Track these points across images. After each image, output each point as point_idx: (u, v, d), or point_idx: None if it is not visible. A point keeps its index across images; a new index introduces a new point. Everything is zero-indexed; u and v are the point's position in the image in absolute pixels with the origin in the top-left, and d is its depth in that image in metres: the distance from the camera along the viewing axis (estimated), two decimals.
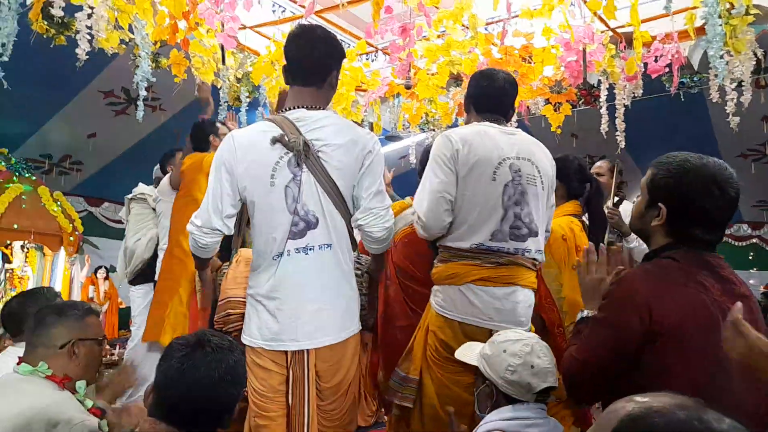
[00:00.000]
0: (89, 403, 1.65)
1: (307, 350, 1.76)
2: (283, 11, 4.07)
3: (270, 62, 4.24)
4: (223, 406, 1.32)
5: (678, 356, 1.28)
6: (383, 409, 3.43)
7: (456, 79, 4.44)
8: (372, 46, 4.56)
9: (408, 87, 4.42)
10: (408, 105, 4.93)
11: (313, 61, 1.83)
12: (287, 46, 1.86)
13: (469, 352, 1.74)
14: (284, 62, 1.88)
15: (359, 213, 1.82)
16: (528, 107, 4.63)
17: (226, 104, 4.24)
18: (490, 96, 2.09)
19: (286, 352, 1.77)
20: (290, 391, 1.77)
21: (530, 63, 4.06)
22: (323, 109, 1.85)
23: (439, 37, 4.08)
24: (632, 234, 3.04)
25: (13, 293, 5.74)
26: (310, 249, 1.77)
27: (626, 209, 3.44)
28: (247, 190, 1.79)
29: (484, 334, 1.88)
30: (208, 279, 2.25)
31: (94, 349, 1.70)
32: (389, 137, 5.87)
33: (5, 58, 2.91)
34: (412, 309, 2.63)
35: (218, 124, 3.50)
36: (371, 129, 4.86)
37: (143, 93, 3.39)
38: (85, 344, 1.67)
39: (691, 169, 1.38)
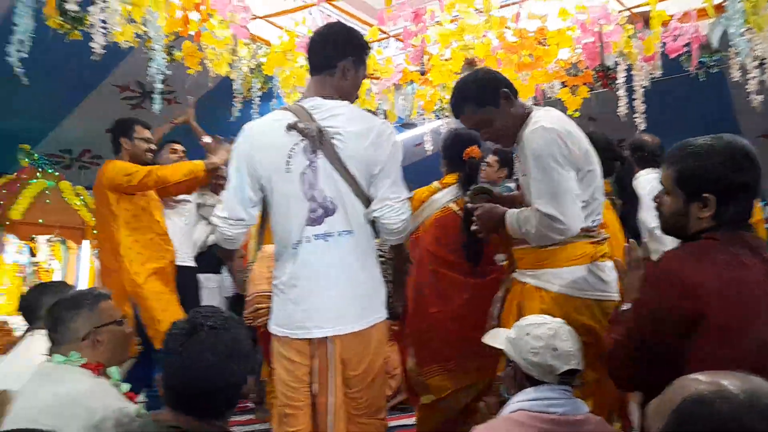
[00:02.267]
0: (125, 387, 1.69)
1: (331, 338, 1.77)
2: None
3: (282, 52, 4.24)
4: (230, 385, 1.32)
5: (721, 339, 1.25)
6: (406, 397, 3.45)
7: (470, 64, 4.39)
8: (384, 32, 4.53)
9: (422, 73, 4.39)
10: (422, 92, 4.89)
11: (317, 50, 1.88)
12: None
13: (495, 337, 1.76)
14: None
15: (375, 204, 1.82)
16: (543, 91, 4.57)
17: (241, 96, 4.24)
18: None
19: (309, 341, 1.79)
20: (314, 381, 1.79)
21: (545, 46, 4.00)
22: (341, 99, 1.86)
23: (452, 21, 4.04)
24: None
25: None
26: (329, 236, 1.78)
27: None
28: (264, 178, 1.82)
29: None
30: (234, 269, 2.30)
31: (116, 332, 1.73)
32: (404, 125, 5.85)
33: (24, 54, 2.96)
34: (443, 295, 2.63)
35: (137, 126, 3.13)
36: (385, 117, 4.84)
37: (159, 86, 3.42)
38: (106, 329, 1.70)
39: (720, 151, 1.37)
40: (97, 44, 3.00)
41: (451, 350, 2.56)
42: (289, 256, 1.82)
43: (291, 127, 1.78)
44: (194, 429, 1.27)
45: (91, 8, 2.99)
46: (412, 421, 3.11)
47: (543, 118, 1.89)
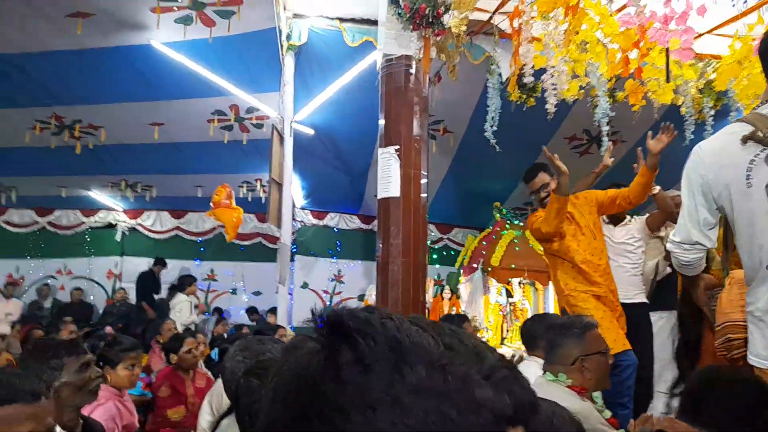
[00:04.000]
0: (607, 414, 1.84)
1: None
2: (745, 1, 3.63)
3: (736, 62, 3.81)
4: None
5: None
6: None
7: None
8: None
9: None
10: None
11: None
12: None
13: None
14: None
15: None
16: None
17: (692, 118, 4.02)
18: None
19: None
20: None
21: None
22: None
23: None
24: None
25: (518, 324, 6.79)
26: None
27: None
28: (722, 197, 1.72)
29: None
30: (701, 298, 2.19)
31: (600, 361, 1.89)
32: None
33: (495, 128, 3.66)
34: None
35: (530, 182, 3.41)
36: None
37: (605, 128, 3.61)
38: (590, 358, 1.87)
39: None
40: (550, 105, 3.42)
41: None
42: (762, 279, 1.65)
43: (747, 138, 1.63)
44: None
45: (544, 76, 3.45)
46: None
47: None
